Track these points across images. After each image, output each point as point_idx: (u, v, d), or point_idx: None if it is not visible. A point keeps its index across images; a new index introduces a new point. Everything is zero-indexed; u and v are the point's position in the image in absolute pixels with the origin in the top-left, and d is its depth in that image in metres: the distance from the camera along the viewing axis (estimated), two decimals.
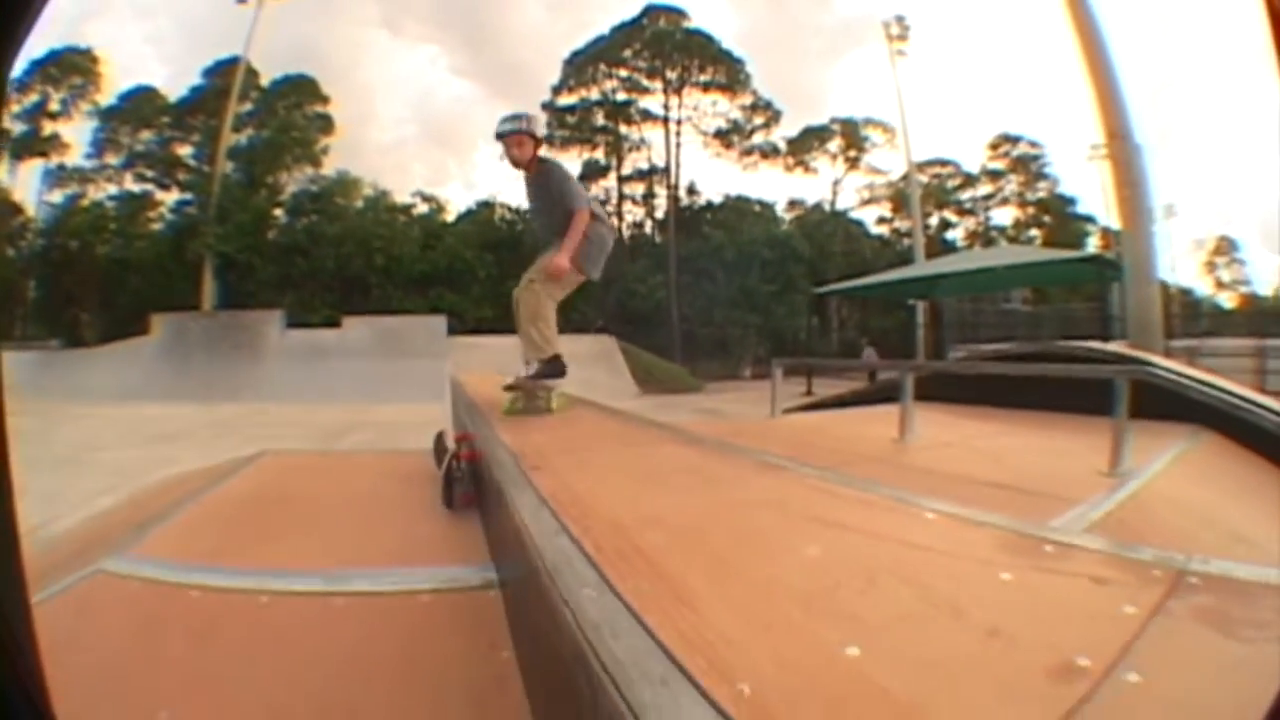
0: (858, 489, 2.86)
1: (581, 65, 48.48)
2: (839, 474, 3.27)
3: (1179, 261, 56.65)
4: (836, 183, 51.06)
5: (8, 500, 1.07)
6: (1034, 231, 49.39)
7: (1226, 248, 57.65)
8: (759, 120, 49.57)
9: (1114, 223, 22.97)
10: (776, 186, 62.89)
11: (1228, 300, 55.83)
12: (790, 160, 50.48)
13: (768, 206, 49.73)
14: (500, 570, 3.05)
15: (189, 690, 2.25)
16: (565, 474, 3.16)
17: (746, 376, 39.33)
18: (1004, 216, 51.31)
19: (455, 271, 41.34)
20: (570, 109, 48.49)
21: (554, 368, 5.94)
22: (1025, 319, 33.73)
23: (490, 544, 3.46)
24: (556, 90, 48.64)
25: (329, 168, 46.02)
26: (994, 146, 51.32)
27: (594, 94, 48.70)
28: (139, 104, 44.30)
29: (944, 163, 51.33)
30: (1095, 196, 46.78)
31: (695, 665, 1.38)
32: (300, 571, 3.18)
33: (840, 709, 1.26)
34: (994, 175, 51.29)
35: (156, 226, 43.45)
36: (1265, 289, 55.28)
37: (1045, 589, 1.86)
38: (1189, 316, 43.08)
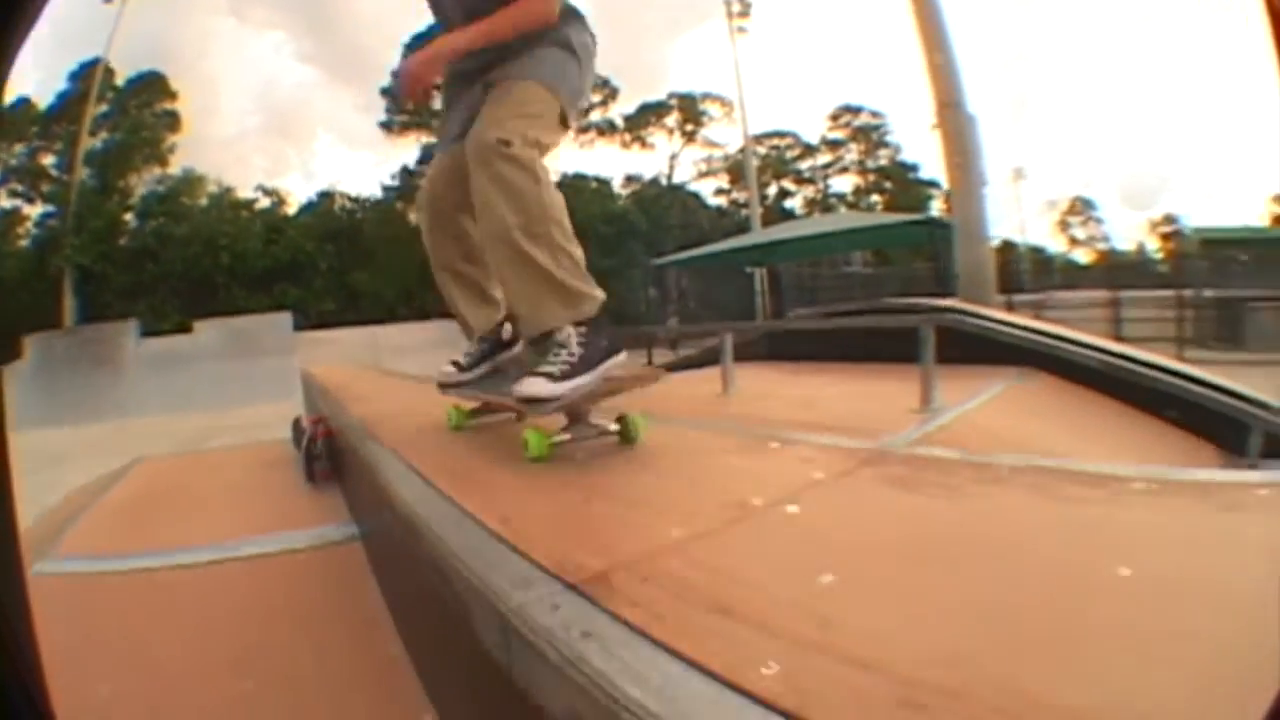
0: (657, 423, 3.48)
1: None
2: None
3: (1030, 221, 59.32)
4: (674, 157, 51.57)
5: (7, 499, 1.09)
6: (875, 198, 50.72)
7: (1081, 207, 60.47)
8: (596, 98, 50.00)
9: None
10: (614, 163, 63.57)
11: (1083, 256, 58.46)
12: (627, 136, 51.01)
13: (604, 183, 50.07)
14: (360, 524, 3.64)
15: (131, 658, 2.60)
16: (404, 432, 3.75)
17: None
18: (844, 184, 52.62)
19: (298, 265, 40.59)
20: None
21: (610, 338, 2.99)
22: (864, 281, 34.54)
23: (349, 504, 4.05)
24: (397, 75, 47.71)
25: (175, 166, 44.20)
26: (834, 117, 52.57)
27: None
28: (17, 116, 42.39)
29: (782, 134, 52.37)
30: (937, 162, 48.88)
31: (503, 530, 1.94)
32: (196, 546, 3.65)
33: (590, 536, 1.91)
34: (834, 145, 52.41)
35: (24, 242, 41.80)
36: (1126, 245, 58.25)
37: (758, 467, 2.53)
38: (1040, 272, 45.29)
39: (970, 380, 6.70)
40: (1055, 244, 59.98)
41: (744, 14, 43.87)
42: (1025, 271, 41.84)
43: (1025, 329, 8.37)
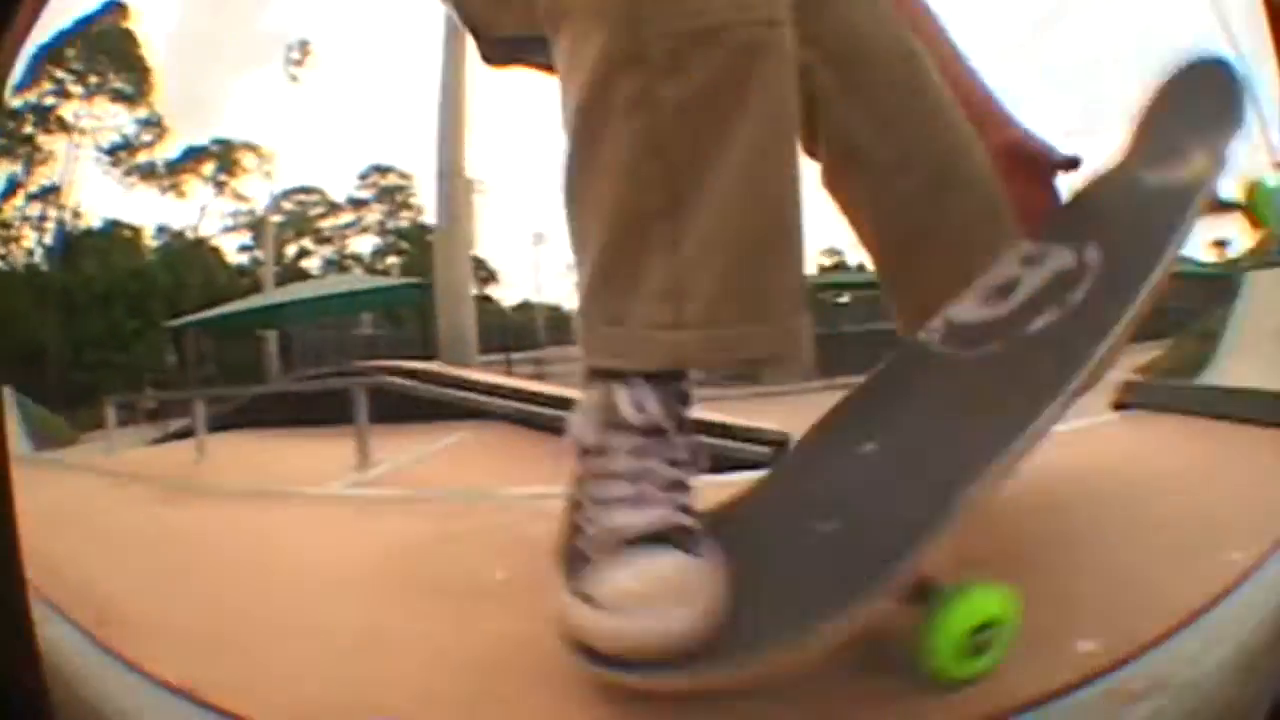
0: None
1: (42, 63, 42.18)
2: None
3: (549, 283, 62.43)
4: (204, 208, 48.77)
5: (7, 498, 1.11)
6: (393, 259, 50.36)
7: None
8: (148, 137, 46.27)
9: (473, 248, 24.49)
10: (156, 210, 60.15)
11: None
12: (166, 182, 47.84)
13: (136, 232, 46.51)
14: None
15: None
16: None
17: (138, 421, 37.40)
18: (366, 245, 51.49)
19: None
20: (14, 113, 41.99)
21: None
22: (366, 343, 33.90)
23: None
24: (19, 90, 42.14)
25: None
26: (363, 176, 50.89)
27: (33, 97, 42.85)
28: None
29: (309, 190, 50.39)
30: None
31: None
32: None
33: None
34: (358, 204, 51.20)
35: None
36: None
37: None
38: (557, 329, 47.73)
39: (426, 435, 7.93)
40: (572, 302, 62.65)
41: (299, 62, 42.38)
42: (540, 329, 43.83)
43: (470, 386, 9.56)
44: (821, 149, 1.73)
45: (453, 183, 18.30)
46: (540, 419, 8.06)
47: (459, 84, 18.36)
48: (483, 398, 9.14)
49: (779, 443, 7.50)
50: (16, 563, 1.04)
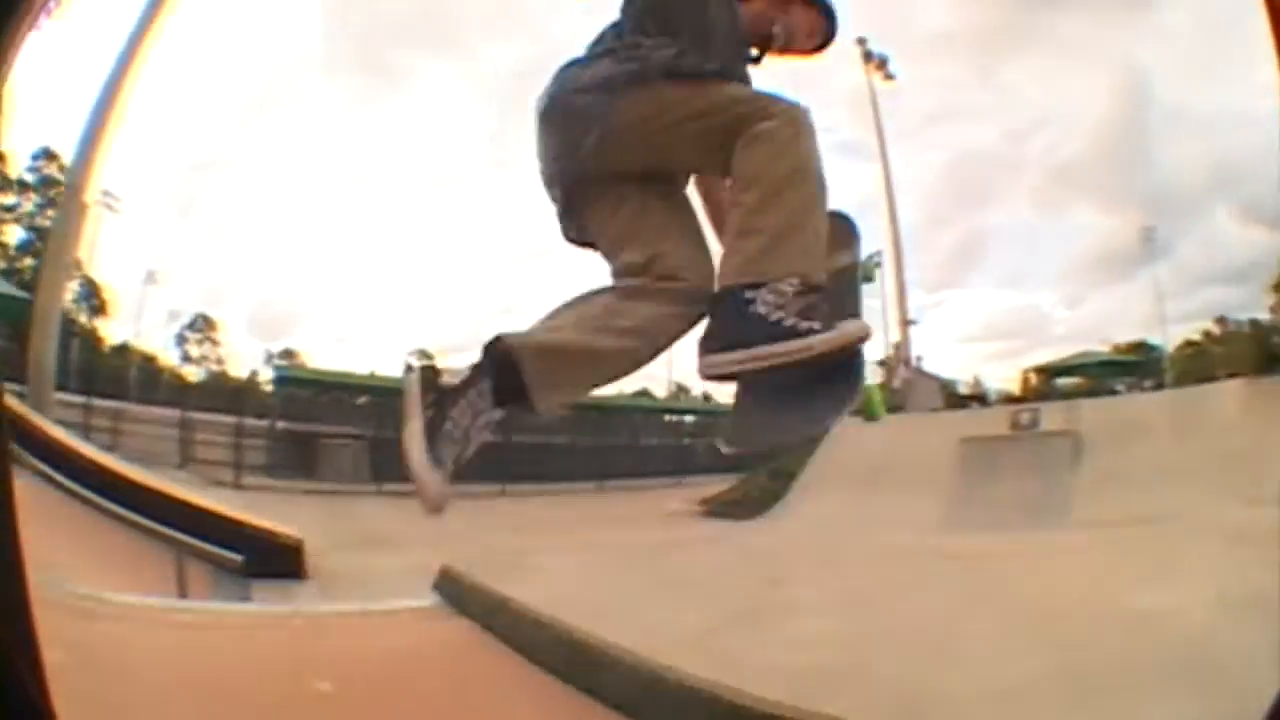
0: None
1: None
2: None
3: (152, 329, 58.70)
4: None
5: (7, 498, 1.12)
6: (30, 261, 43.32)
7: (203, 325, 59.59)
8: None
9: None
10: None
11: (194, 374, 58.27)
12: None
13: None
14: None
15: None
16: None
17: None
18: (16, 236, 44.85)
19: None
20: None
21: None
22: None
23: None
24: None
25: None
26: (34, 158, 41.27)
27: None
28: None
29: None
30: None
31: None
32: None
33: None
34: (22, 187, 41.79)
35: None
36: (242, 371, 59.83)
37: None
38: (148, 383, 44.72)
39: None
40: (173, 356, 58.15)
41: (49, 11, 37.97)
42: (132, 379, 41.04)
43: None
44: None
45: (72, 199, 17.55)
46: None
47: (119, 93, 17.10)
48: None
49: (293, 549, 7.08)
50: (17, 562, 1.07)
